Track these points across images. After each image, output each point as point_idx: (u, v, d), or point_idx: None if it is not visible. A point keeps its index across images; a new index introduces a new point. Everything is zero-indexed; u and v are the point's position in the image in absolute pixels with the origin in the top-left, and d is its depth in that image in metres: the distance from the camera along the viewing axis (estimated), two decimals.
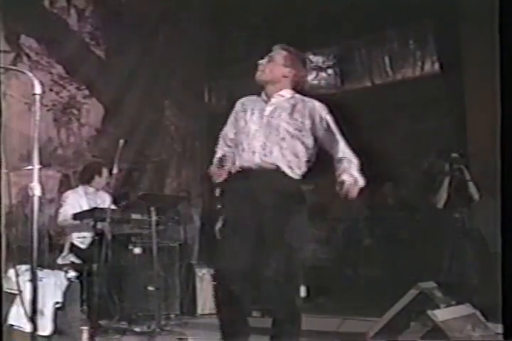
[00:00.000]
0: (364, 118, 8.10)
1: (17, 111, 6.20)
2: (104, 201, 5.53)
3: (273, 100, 3.57)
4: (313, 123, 3.51)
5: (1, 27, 7.18)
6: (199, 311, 6.70)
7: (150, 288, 5.41)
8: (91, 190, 5.81)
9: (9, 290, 4.26)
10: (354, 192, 3.27)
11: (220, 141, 3.69)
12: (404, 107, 7.78)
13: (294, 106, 3.54)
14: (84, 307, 4.95)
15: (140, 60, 8.03)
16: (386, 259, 7.71)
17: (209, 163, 3.66)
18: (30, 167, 2.65)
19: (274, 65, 3.64)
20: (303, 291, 9.30)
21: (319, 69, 7.90)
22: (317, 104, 3.59)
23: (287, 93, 3.61)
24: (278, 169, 3.43)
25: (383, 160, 8.54)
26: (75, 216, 5.41)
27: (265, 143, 3.45)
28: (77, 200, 5.70)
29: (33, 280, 2.64)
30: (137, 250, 5.74)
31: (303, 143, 3.49)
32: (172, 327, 5.51)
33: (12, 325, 4.23)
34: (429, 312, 2.95)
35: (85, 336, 4.62)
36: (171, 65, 8.26)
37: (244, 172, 3.46)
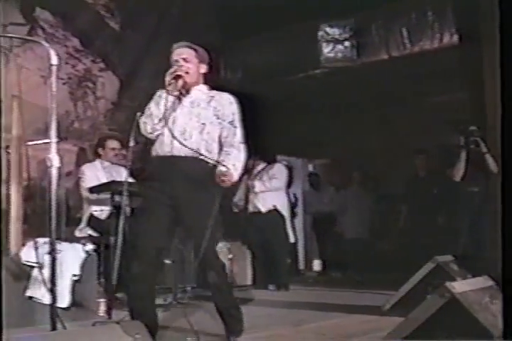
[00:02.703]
0: (380, 91, 8.07)
1: (33, 84, 6.19)
2: (121, 174, 5.53)
3: (192, 93, 3.71)
4: (220, 114, 3.69)
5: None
6: None
7: (167, 261, 5.43)
8: (106, 163, 5.82)
9: (28, 263, 4.31)
10: (228, 180, 3.56)
11: (148, 122, 3.66)
12: (422, 80, 7.71)
13: (212, 97, 3.72)
14: (101, 279, 4.98)
15: (154, 32, 7.98)
16: (404, 233, 7.74)
17: None
18: (47, 140, 2.65)
19: (189, 60, 3.72)
20: (318, 265, 9.44)
21: (335, 41, 7.80)
22: (228, 98, 3.75)
23: (204, 88, 3.78)
24: (196, 153, 3.58)
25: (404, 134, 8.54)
26: (92, 189, 5.42)
27: (185, 128, 3.61)
28: (94, 174, 5.71)
29: (52, 252, 2.65)
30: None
31: (219, 129, 3.69)
32: (188, 300, 5.55)
33: (31, 297, 4.27)
34: (447, 283, 2.93)
35: (102, 308, 4.67)
36: (186, 38, 8.20)
37: (163, 157, 3.62)
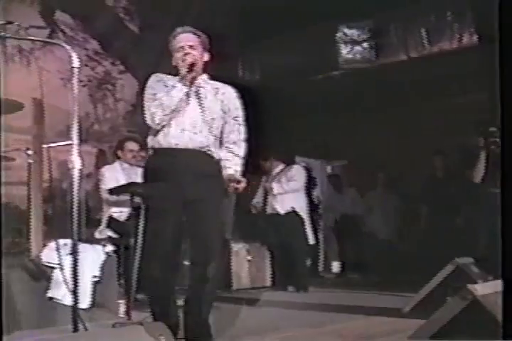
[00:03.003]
0: (399, 92, 8.03)
1: (53, 87, 6.23)
2: (140, 176, 5.54)
3: (197, 83, 3.57)
4: (226, 108, 3.62)
5: (36, 2, 7.20)
6: (234, 285, 6.75)
7: (186, 263, 5.44)
8: (126, 165, 5.85)
9: (48, 264, 4.33)
10: (241, 185, 3.52)
11: (157, 111, 3.48)
12: (441, 81, 7.67)
13: (217, 89, 3.61)
14: (121, 280, 5.00)
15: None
16: (424, 234, 7.69)
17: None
18: (69, 142, 2.66)
19: (196, 48, 3.57)
20: (337, 266, 9.41)
21: (354, 42, 7.79)
22: (233, 92, 3.68)
23: (206, 77, 3.65)
24: (204, 148, 3.52)
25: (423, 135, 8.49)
26: (111, 191, 5.44)
27: (195, 121, 3.50)
28: (114, 175, 5.74)
29: (74, 253, 2.67)
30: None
31: (223, 124, 3.61)
32: None
33: (51, 298, 4.30)
34: (470, 285, 2.91)
35: (122, 309, 4.68)
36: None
37: (170, 150, 3.50)
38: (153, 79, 3.60)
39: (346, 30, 7.74)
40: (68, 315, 2.84)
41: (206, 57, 3.61)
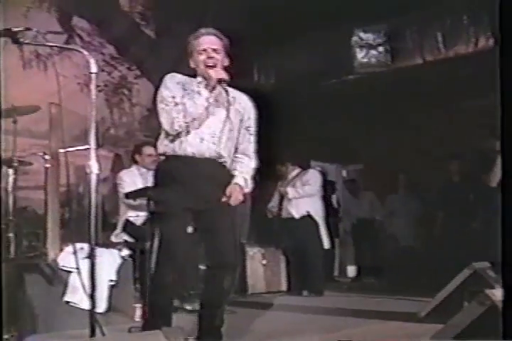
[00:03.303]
0: (415, 96, 8.00)
1: (69, 92, 6.28)
2: None
3: (218, 90, 3.43)
4: (241, 119, 3.52)
5: (53, 9, 7.26)
6: (249, 290, 6.75)
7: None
8: (143, 169, 5.87)
9: (65, 268, 4.36)
10: (238, 198, 3.43)
11: (179, 117, 3.34)
12: (457, 84, 7.64)
13: (234, 98, 3.49)
14: (137, 285, 5.01)
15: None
16: (440, 239, 7.65)
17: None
18: (86, 146, 2.67)
19: (219, 52, 3.47)
20: (353, 271, 9.38)
21: (369, 46, 7.77)
22: (249, 101, 3.58)
23: (225, 85, 3.48)
24: (220, 159, 3.44)
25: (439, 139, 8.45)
26: (128, 195, 5.46)
27: (215, 130, 3.39)
28: (132, 179, 5.76)
29: (92, 257, 2.68)
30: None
31: (237, 134, 3.52)
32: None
33: (68, 302, 4.32)
34: (488, 291, 2.89)
35: (138, 313, 4.70)
36: None
37: (185, 158, 3.38)
38: (171, 79, 3.45)
39: (362, 34, 7.72)
40: (84, 319, 2.85)
41: (226, 61, 3.50)
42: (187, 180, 3.37)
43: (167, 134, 3.42)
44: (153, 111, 8.14)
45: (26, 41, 2.67)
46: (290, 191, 6.89)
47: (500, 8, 2.49)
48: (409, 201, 8.71)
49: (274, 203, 7.15)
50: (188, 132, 3.35)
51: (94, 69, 2.71)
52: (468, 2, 7.21)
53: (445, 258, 6.67)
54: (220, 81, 3.37)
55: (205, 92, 3.40)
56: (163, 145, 3.45)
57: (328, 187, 8.91)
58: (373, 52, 7.72)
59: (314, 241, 6.85)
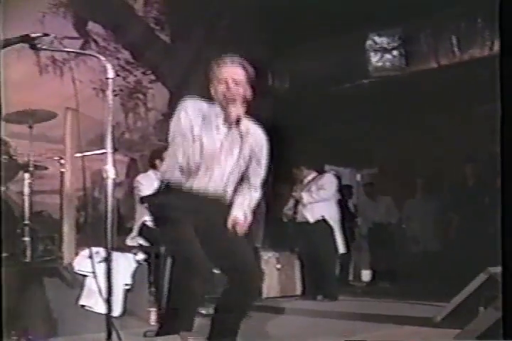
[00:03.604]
0: (430, 100, 7.98)
1: (85, 97, 6.31)
2: None
3: (234, 125, 3.26)
4: (252, 152, 3.36)
5: (69, 14, 7.32)
6: (264, 294, 6.75)
7: (216, 271, 5.45)
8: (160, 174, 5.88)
9: (80, 272, 4.38)
10: (243, 229, 3.30)
11: (195, 151, 3.21)
12: (472, 87, 7.61)
13: (247, 132, 3.30)
14: (152, 289, 5.02)
15: (204, 43, 8.05)
16: (455, 243, 7.61)
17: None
18: (103, 151, 2.68)
19: (241, 84, 3.26)
20: (368, 275, 9.36)
21: (384, 50, 7.76)
22: (263, 134, 3.40)
23: (243, 116, 3.30)
24: (225, 194, 3.33)
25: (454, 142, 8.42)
26: (143, 199, 5.47)
27: (225, 168, 3.26)
28: (150, 183, 5.76)
29: (108, 261, 2.69)
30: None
31: (246, 168, 3.38)
32: None
33: (83, 306, 4.34)
34: None
35: (153, 317, 4.71)
36: (234, 48, 8.27)
37: (189, 190, 3.26)
38: (192, 105, 3.28)
39: (376, 38, 7.71)
40: (99, 323, 2.86)
41: (248, 94, 3.27)
42: (185, 211, 3.22)
43: (171, 160, 3.31)
44: (167, 115, 8.22)
45: (44, 47, 2.68)
46: (305, 196, 6.88)
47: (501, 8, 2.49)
48: (425, 205, 8.67)
49: (289, 207, 7.15)
50: (198, 169, 3.23)
51: (111, 74, 2.71)
52: (482, 4, 7.18)
53: (460, 263, 6.64)
54: (238, 118, 3.23)
55: (222, 128, 3.25)
56: (167, 173, 3.35)
57: (345, 192, 8.95)
58: (388, 56, 7.71)
59: (329, 245, 6.83)
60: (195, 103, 3.29)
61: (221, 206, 3.35)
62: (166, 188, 3.34)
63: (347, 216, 8.30)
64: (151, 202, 3.59)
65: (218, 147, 3.22)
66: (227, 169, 3.27)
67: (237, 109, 3.20)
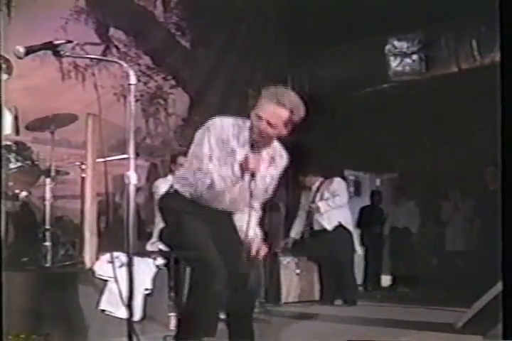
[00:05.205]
0: (450, 104, 7.95)
1: (106, 102, 6.36)
2: None
3: (261, 151, 3.23)
4: (275, 173, 3.35)
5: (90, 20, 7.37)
6: (283, 299, 6.74)
7: None
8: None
9: (101, 276, 4.40)
10: (264, 249, 3.29)
11: (227, 175, 3.16)
12: (492, 92, 7.56)
13: (272, 158, 3.28)
14: (172, 294, 5.04)
15: (224, 49, 8.08)
16: (476, 248, 7.55)
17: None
18: (124, 156, 2.68)
19: (277, 127, 3.14)
20: (387, 280, 9.31)
21: (403, 55, 7.74)
22: (285, 156, 3.35)
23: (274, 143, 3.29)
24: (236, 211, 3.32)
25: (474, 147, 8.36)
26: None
27: (246, 191, 3.18)
28: None
29: (129, 266, 2.70)
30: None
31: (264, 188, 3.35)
32: (256, 314, 5.54)
33: (103, 310, 4.36)
34: None
35: (173, 322, 4.71)
36: (254, 54, 8.30)
37: (203, 207, 3.24)
38: (219, 127, 3.19)
39: (395, 43, 7.69)
40: (119, 327, 2.87)
41: (284, 133, 3.18)
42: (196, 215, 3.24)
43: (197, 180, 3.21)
44: (188, 121, 8.26)
45: (67, 54, 2.70)
46: (321, 205, 6.82)
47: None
48: (447, 210, 8.63)
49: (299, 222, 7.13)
50: (214, 187, 3.17)
51: (133, 80, 2.72)
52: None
53: (482, 268, 6.59)
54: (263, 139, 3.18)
55: (247, 147, 3.20)
56: (186, 187, 3.28)
57: (375, 198, 8.93)
58: (407, 60, 7.69)
59: (347, 250, 6.82)
60: (234, 126, 3.21)
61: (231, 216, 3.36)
62: (175, 192, 3.35)
63: (376, 221, 8.32)
64: (160, 203, 3.60)
65: (239, 174, 3.15)
66: (246, 192, 3.19)
67: (266, 144, 3.20)
